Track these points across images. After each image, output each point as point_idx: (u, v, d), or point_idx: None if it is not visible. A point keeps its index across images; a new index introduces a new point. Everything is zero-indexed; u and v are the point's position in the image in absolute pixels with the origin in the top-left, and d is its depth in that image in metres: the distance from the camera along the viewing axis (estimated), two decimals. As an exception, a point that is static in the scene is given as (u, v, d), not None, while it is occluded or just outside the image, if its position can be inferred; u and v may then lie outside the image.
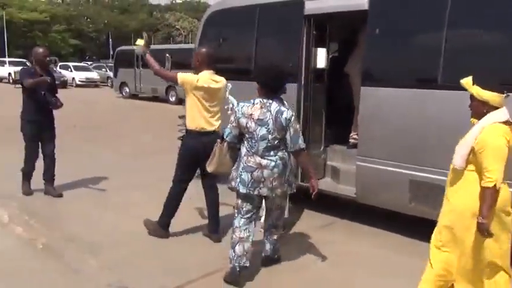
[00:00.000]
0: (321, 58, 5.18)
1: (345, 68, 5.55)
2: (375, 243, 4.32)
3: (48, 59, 5.47)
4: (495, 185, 2.60)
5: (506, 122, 2.69)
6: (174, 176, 4.26)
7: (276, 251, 3.79)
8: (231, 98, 4.93)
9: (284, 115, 3.32)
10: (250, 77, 5.49)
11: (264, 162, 3.36)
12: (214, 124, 4.09)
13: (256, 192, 3.41)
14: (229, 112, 5.52)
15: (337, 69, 5.64)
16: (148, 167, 6.87)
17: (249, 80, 5.51)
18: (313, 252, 4.08)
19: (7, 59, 33.68)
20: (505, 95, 2.72)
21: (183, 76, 4.00)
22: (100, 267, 3.66)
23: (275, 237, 3.75)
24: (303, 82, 4.99)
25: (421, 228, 4.36)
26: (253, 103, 3.41)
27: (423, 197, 4.04)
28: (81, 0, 68.05)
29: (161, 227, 4.27)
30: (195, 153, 4.07)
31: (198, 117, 4.02)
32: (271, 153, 3.37)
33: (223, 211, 4.40)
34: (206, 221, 4.48)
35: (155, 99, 20.67)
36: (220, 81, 4.11)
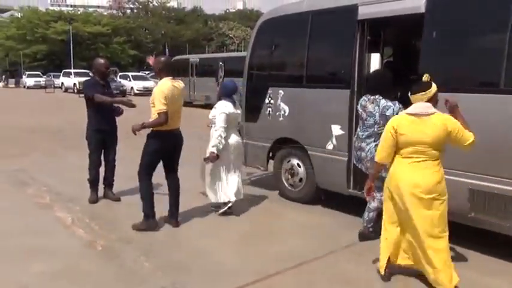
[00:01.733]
0: (374, 64, 5.07)
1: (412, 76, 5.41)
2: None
3: (109, 70, 5.72)
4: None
5: (413, 114, 3.31)
6: (142, 171, 4.60)
7: (370, 221, 4.30)
8: (282, 104, 4.95)
9: (389, 111, 4.06)
10: (302, 83, 5.48)
11: (363, 145, 4.24)
12: (179, 123, 4.68)
13: (359, 167, 4.36)
14: (280, 119, 5.55)
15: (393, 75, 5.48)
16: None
17: (301, 86, 5.52)
18: (370, 265, 3.99)
19: (72, 70, 35.71)
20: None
21: (161, 109, 4.37)
22: (154, 270, 3.77)
23: (371, 206, 4.29)
24: (355, 88, 4.90)
25: (480, 238, 4.15)
26: (369, 98, 4.24)
27: (483, 207, 3.85)
28: (140, 13, 71.10)
29: (147, 219, 4.61)
30: (169, 149, 4.64)
31: (171, 118, 4.45)
32: (371, 139, 4.18)
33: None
34: (263, 226, 4.48)
35: (208, 106, 21.09)
36: (178, 86, 4.60)
